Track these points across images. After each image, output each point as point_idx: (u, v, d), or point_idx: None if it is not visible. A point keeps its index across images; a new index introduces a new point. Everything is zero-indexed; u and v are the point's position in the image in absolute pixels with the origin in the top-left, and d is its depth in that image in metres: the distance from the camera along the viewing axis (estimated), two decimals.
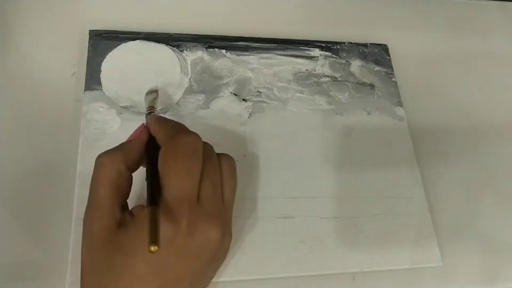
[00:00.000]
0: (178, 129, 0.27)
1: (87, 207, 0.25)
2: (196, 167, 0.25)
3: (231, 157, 0.29)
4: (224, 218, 0.26)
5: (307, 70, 0.40)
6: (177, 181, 0.24)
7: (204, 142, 0.27)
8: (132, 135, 0.28)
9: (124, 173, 0.25)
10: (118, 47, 0.37)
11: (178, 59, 0.38)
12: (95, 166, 0.25)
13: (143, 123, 0.29)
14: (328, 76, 0.40)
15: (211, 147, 0.28)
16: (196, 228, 0.24)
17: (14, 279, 0.29)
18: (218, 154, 0.28)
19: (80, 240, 0.25)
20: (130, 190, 0.27)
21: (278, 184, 0.35)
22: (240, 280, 0.31)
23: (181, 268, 0.24)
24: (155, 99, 0.33)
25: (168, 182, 0.25)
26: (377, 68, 0.42)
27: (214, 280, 0.30)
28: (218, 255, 0.27)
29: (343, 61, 0.42)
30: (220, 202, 0.27)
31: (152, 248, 0.21)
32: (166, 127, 0.27)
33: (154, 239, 0.21)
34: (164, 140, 0.26)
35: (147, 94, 0.34)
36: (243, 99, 0.38)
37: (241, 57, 0.39)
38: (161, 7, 0.41)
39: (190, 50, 0.38)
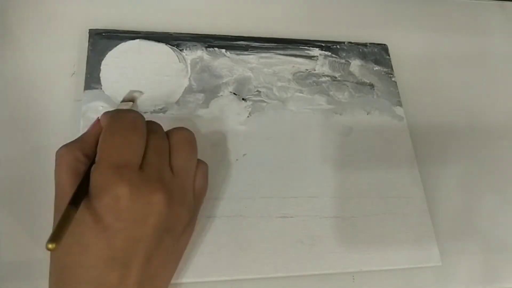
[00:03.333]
0: (119, 110, 0.28)
1: (55, 196, 0.26)
2: (136, 138, 0.26)
3: (185, 129, 0.29)
4: (172, 185, 0.26)
5: (307, 69, 0.40)
6: (116, 151, 0.25)
7: (150, 120, 0.28)
8: (89, 128, 0.29)
9: (82, 159, 0.26)
10: (117, 46, 0.37)
11: (178, 58, 0.38)
12: (55, 158, 0.26)
13: (98, 117, 0.29)
14: (327, 76, 0.40)
15: (158, 124, 0.28)
16: (138, 192, 0.24)
17: (14, 279, 0.29)
18: (170, 130, 0.29)
19: None
20: None
21: (277, 184, 0.35)
22: (240, 280, 0.31)
23: (129, 234, 0.24)
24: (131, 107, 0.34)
25: (107, 153, 0.25)
26: (376, 67, 0.42)
27: (213, 279, 0.30)
28: (171, 224, 0.26)
29: (343, 60, 0.42)
30: (166, 169, 0.27)
31: (50, 246, 0.20)
32: (111, 112, 0.28)
33: (55, 237, 0.21)
34: (106, 122, 0.27)
35: (121, 102, 0.34)
36: (243, 99, 0.38)
37: (241, 56, 0.39)
38: (161, 6, 0.41)
39: (189, 49, 0.38)
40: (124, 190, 0.24)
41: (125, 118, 0.26)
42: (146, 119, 0.28)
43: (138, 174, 0.24)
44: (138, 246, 0.24)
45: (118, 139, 0.25)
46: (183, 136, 0.29)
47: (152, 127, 0.28)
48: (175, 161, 0.27)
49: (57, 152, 0.26)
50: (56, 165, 0.26)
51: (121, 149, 0.25)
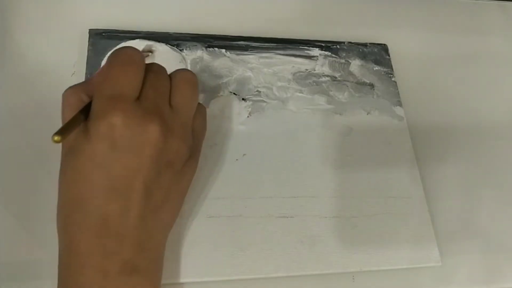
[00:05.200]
0: (119, 47, 0.28)
1: None
2: (132, 71, 0.25)
3: (188, 71, 0.29)
4: (169, 119, 0.26)
5: (307, 69, 0.40)
6: (110, 82, 0.25)
7: (155, 62, 0.28)
8: (97, 71, 0.29)
9: (86, 101, 0.26)
10: (118, 46, 0.37)
11: (178, 58, 0.38)
12: (62, 99, 0.27)
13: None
14: (327, 76, 0.40)
15: (162, 66, 0.28)
16: (132, 121, 0.24)
17: (14, 279, 0.29)
18: (174, 71, 0.29)
19: None
20: None
21: (277, 184, 0.35)
22: (240, 280, 0.31)
23: (126, 164, 0.24)
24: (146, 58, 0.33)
25: (102, 84, 0.25)
26: (376, 67, 0.42)
27: (213, 279, 0.30)
28: (170, 158, 0.26)
29: (343, 60, 0.42)
30: (165, 104, 0.26)
31: (56, 138, 0.22)
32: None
33: (62, 131, 0.23)
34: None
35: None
36: (243, 99, 0.38)
37: (241, 56, 0.39)
38: (161, 6, 0.41)
39: (189, 49, 0.38)
40: (118, 119, 0.24)
41: (122, 53, 0.26)
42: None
43: (133, 105, 0.24)
44: (136, 176, 0.24)
45: (114, 71, 0.25)
46: (185, 76, 0.29)
47: (153, 67, 0.28)
48: (175, 99, 0.27)
49: (63, 93, 0.27)
50: (62, 104, 0.27)
51: (116, 80, 0.25)
